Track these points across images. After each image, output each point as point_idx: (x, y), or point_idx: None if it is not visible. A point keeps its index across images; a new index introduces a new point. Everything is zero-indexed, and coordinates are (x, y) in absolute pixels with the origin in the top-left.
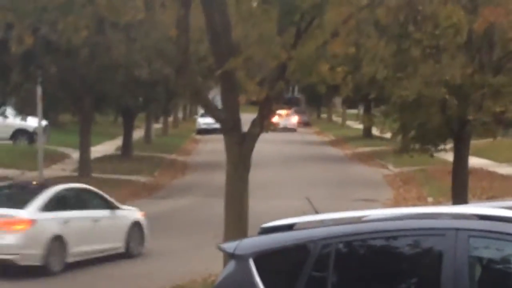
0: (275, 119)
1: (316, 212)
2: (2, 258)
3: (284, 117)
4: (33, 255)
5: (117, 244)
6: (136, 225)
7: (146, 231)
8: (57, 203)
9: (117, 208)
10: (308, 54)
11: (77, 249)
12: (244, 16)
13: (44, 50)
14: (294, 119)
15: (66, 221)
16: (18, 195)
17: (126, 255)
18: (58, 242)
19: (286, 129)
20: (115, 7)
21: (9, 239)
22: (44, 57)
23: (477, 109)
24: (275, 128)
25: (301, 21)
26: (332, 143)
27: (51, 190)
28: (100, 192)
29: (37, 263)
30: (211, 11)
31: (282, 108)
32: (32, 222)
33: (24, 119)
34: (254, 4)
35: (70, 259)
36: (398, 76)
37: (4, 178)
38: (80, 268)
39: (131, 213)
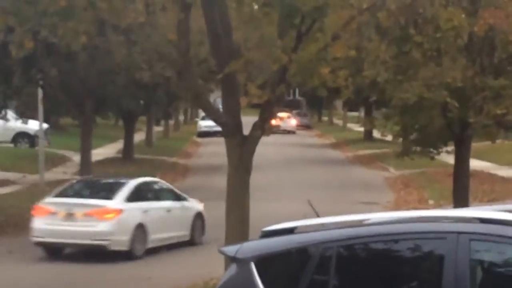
0: (274, 121)
1: (317, 215)
2: (95, 244)
3: (284, 119)
4: (121, 241)
5: (185, 232)
6: (199, 215)
7: (205, 221)
8: (137, 195)
9: (185, 199)
10: (309, 57)
11: (154, 236)
12: (245, 19)
13: (44, 53)
14: (293, 122)
15: (145, 211)
16: (104, 188)
17: (189, 243)
18: (140, 229)
19: (285, 131)
20: (116, 10)
21: (102, 226)
22: (45, 60)
23: (478, 112)
24: (275, 130)
25: (302, 24)
26: (333, 146)
27: (132, 183)
28: (170, 185)
29: (124, 248)
30: (211, 14)
31: (283, 111)
32: (120, 211)
33: (25, 122)
34: (255, 7)
35: (149, 245)
36: (399, 79)
37: (5, 181)
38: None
39: (195, 204)
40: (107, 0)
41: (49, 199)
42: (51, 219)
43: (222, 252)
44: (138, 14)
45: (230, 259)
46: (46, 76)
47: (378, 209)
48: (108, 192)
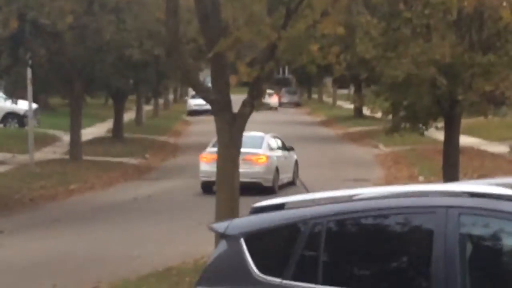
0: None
1: (307, 191)
2: (253, 181)
3: (266, 96)
4: (268, 179)
5: (290, 174)
6: (296, 162)
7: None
8: (271, 145)
9: (291, 149)
10: (298, 34)
11: (281, 176)
12: None
13: (32, 33)
14: (275, 99)
15: (277, 157)
16: (249, 140)
17: (291, 183)
18: (276, 171)
19: (267, 108)
20: None
21: (257, 168)
22: (33, 40)
23: (467, 89)
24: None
25: (291, 1)
26: (323, 123)
27: (267, 136)
28: (281, 138)
29: (269, 185)
30: None
31: (272, 88)
32: (268, 157)
33: (15, 102)
34: None
35: (279, 183)
36: (388, 55)
37: None
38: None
39: (294, 154)
40: None
41: (212, 149)
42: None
43: (211, 229)
44: None
45: (220, 236)
46: (34, 55)
47: (368, 185)
48: (254, 143)
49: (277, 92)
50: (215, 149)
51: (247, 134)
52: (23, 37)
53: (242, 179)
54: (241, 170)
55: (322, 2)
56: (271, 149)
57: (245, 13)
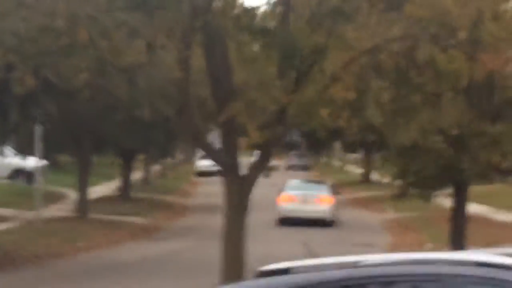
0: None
1: (313, 257)
2: (320, 217)
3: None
4: (333, 215)
5: (337, 212)
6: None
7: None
8: (331, 190)
9: (338, 193)
10: (308, 98)
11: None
12: (245, 59)
13: (45, 91)
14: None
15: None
16: (314, 185)
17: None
18: (334, 208)
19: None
20: (117, 49)
21: (324, 207)
22: (45, 98)
23: (474, 159)
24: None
25: (302, 65)
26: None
27: (328, 182)
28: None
29: (331, 219)
30: (212, 54)
31: (281, 152)
32: (333, 199)
33: (23, 158)
34: (256, 48)
35: (332, 219)
36: (395, 122)
37: (2, 217)
38: None
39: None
40: (108, 39)
41: (288, 191)
42: (291, 202)
43: None
44: (139, 53)
45: None
46: (44, 113)
47: (375, 251)
48: (319, 187)
49: (293, 156)
50: (292, 191)
51: (311, 180)
52: (35, 95)
53: (311, 215)
54: (310, 208)
55: (333, 67)
56: (332, 193)
57: (257, 77)
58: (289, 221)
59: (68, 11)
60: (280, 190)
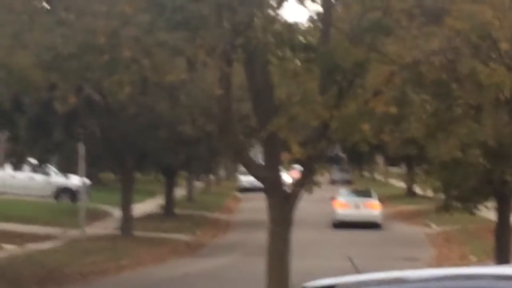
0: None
1: (358, 272)
2: (371, 220)
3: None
4: (380, 219)
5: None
6: None
7: None
8: (376, 196)
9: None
10: (350, 113)
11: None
12: (288, 75)
13: (87, 109)
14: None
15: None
16: (363, 193)
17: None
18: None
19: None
20: (159, 67)
21: (375, 212)
22: (87, 116)
23: None
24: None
25: (343, 80)
26: None
27: (373, 190)
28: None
29: (381, 222)
30: (253, 70)
31: (324, 167)
32: (381, 205)
33: (67, 177)
34: (298, 63)
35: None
36: (437, 135)
37: (47, 236)
38: None
39: None
40: (150, 57)
41: (342, 197)
42: (346, 208)
43: None
44: (180, 70)
45: None
46: (87, 131)
47: (419, 265)
48: (367, 194)
49: (336, 171)
50: (344, 198)
51: (359, 189)
52: (78, 113)
53: (363, 219)
54: (363, 212)
55: (374, 81)
56: (375, 198)
57: (299, 92)
58: (343, 224)
59: (109, 28)
60: (333, 197)
